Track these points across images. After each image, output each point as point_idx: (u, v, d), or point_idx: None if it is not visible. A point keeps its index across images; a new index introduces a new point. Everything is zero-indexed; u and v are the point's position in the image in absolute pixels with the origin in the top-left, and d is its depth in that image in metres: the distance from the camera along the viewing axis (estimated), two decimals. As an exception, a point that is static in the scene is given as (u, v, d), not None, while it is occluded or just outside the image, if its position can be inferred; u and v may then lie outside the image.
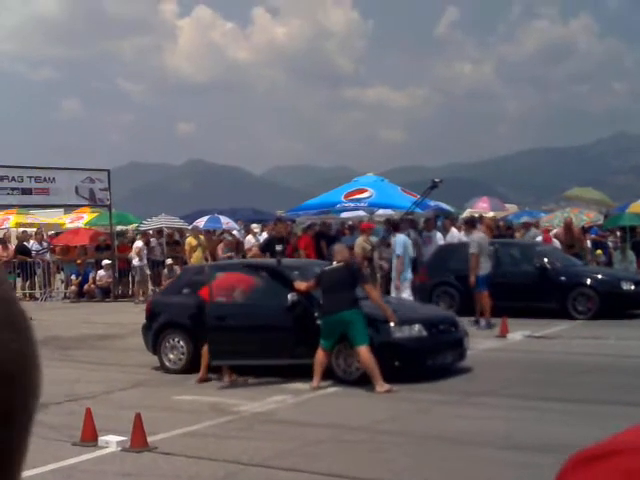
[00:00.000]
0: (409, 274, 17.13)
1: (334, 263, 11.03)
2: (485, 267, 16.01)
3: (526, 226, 23.86)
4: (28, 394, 0.81)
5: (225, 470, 7.14)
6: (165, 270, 22.97)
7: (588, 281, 17.12)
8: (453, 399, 9.78)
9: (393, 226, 18.12)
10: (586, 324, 15.92)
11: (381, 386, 10.10)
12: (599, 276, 17.60)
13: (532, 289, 17.04)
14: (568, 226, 22.39)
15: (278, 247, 14.34)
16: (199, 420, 9.00)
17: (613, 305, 16.52)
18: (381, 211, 23.77)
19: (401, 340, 10.81)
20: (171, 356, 12.20)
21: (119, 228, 29.17)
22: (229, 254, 22.23)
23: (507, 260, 18.01)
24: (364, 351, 10.22)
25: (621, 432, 0.95)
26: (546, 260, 17.60)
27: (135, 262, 23.50)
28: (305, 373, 10.59)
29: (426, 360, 11.01)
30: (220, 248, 22.95)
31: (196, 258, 20.75)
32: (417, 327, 10.97)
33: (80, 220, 32.83)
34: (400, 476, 6.81)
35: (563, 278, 17.15)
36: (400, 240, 17.01)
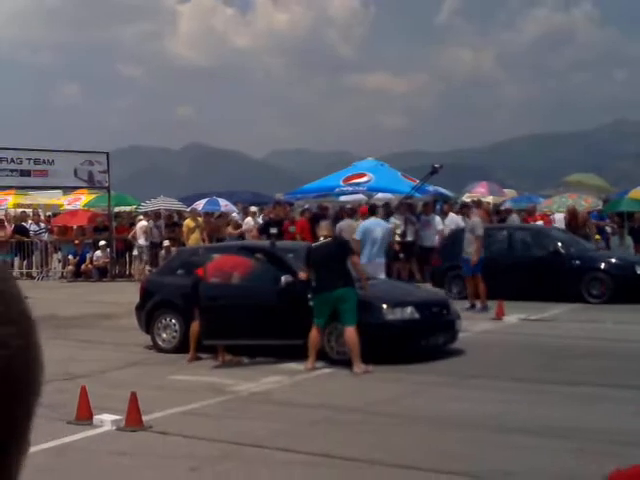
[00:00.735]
0: (364, 258, 16.85)
1: (321, 239, 11.06)
2: (482, 251, 16.13)
3: (507, 212, 24.25)
4: (29, 392, 0.79)
5: (220, 450, 7.15)
6: (162, 251, 23.01)
7: (602, 265, 17.07)
8: (447, 381, 9.80)
9: (369, 211, 17.95)
10: (584, 308, 15.92)
11: (359, 367, 10.18)
12: (613, 260, 17.55)
13: (546, 273, 16.93)
14: (572, 213, 22.32)
15: (273, 230, 14.37)
16: (195, 399, 9.01)
17: (628, 289, 16.38)
18: (380, 195, 23.78)
19: (394, 322, 10.88)
20: (164, 335, 12.23)
21: (117, 209, 29.18)
22: (240, 230, 22.96)
23: (520, 245, 18.05)
24: (351, 331, 10.29)
25: None
26: (560, 245, 17.60)
27: (141, 241, 23.74)
28: (298, 353, 10.61)
29: (419, 342, 11.10)
30: (230, 227, 23.63)
31: (194, 240, 20.77)
32: (409, 309, 11.04)
33: (78, 201, 32.87)
34: (394, 457, 6.82)
35: (577, 262, 17.11)
36: (363, 226, 16.80)
